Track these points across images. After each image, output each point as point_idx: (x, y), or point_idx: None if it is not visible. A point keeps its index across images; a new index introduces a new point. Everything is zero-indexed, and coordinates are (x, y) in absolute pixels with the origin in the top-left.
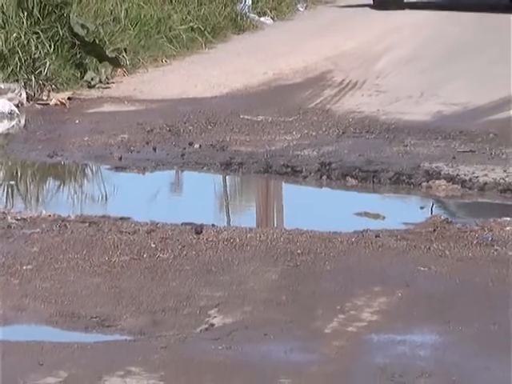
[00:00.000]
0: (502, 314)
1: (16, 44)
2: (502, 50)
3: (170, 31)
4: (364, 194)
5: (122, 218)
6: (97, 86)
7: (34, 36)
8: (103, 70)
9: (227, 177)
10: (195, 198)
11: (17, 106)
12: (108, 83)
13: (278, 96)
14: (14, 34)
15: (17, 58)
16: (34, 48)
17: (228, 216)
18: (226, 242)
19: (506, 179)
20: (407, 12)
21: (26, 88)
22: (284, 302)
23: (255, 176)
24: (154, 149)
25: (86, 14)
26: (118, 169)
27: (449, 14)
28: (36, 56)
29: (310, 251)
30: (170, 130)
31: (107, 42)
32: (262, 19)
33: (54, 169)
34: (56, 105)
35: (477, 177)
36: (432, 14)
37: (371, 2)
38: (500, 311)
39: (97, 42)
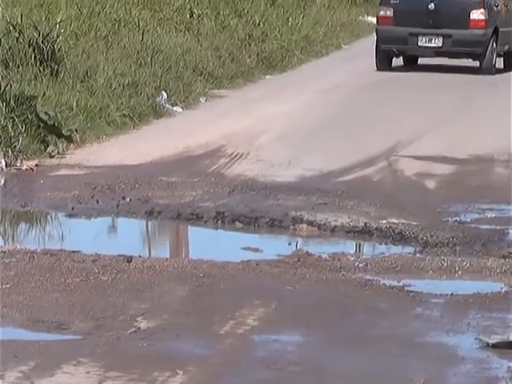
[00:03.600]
0: (348, 321)
1: None
2: (355, 129)
3: (109, 117)
4: (248, 234)
5: (74, 251)
6: (56, 156)
7: (11, 120)
8: (60, 145)
9: (149, 222)
10: (127, 236)
11: None
12: (64, 154)
13: (186, 164)
14: None
15: None
16: (10, 129)
17: (150, 249)
18: (149, 269)
19: (350, 223)
20: (282, 102)
21: (4, 157)
22: (191, 311)
23: (170, 221)
24: (97, 201)
25: (48, 105)
26: (71, 216)
27: (329, 95)
28: (12, 134)
29: (210, 275)
30: (108, 188)
31: (63, 124)
32: (175, 108)
33: (25, 215)
34: (26, 170)
35: (329, 222)
36: (308, 99)
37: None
38: (346, 319)
39: (56, 124)
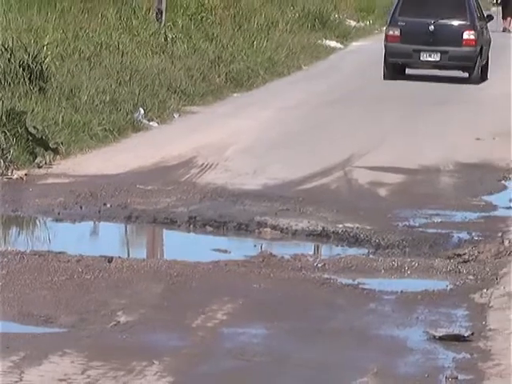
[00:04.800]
0: (308, 316)
1: None
2: (314, 142)
3: (91, 131)
4: (217, 237)
5: (60, 252)
6: (43, 166)
7: (3, 133)
8: (48, 156)
9: (128, 225)
10: (108, 238)
11: None
12: (51, 165)
13: (161, 173)
14: None
15: None
16: (2, 141)
17: (129, 251)
18: (127, 268)
19: (310, 227)
20: (248, 117)
21: None
22: (166, 307)
23: (147, 225)
24: (81, 207)
25: (36, 120)
26: (57, 220)
27: (291, 111)
28: (4, 146)
29: (183, 274)
30: (91, 195)
31: (50, 138)
32: (151, 123)
33: (15, 219)
34: (17, 179)
35: (291, 226)
36: (272, 115)
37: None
38: (307, 314)
39: (43, 137)
